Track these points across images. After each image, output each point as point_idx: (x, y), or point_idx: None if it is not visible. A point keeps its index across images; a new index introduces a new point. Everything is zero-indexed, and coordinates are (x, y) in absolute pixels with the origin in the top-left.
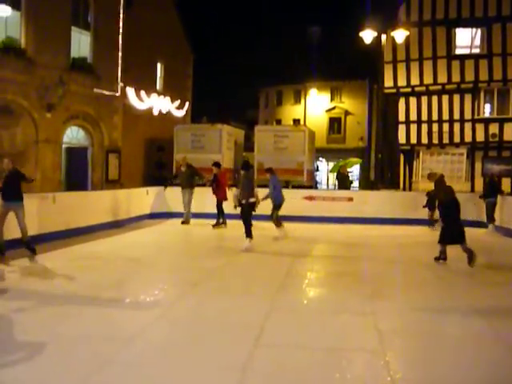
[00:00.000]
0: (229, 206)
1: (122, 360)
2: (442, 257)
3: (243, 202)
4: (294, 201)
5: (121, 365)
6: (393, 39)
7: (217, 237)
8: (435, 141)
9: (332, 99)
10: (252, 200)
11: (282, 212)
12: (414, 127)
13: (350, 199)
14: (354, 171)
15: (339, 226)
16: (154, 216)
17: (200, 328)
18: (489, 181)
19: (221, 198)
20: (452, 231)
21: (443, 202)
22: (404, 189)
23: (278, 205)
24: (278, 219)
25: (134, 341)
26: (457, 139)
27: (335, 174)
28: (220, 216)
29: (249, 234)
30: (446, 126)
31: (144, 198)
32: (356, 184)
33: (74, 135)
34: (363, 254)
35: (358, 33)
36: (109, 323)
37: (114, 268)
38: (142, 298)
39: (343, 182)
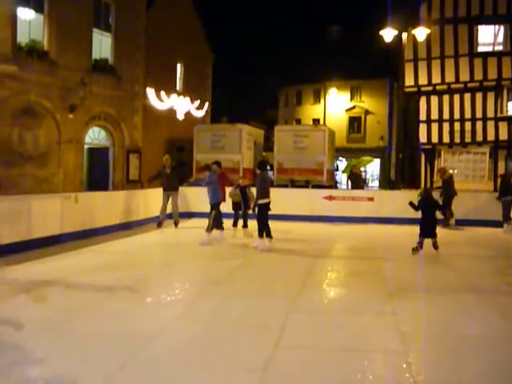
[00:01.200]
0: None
1: (144, 358)
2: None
3: (258, 202)
4: (314, 200)
5: (142, 363)
6: (414, 37)
7: (233, 236)
8: (457, 140)
9: (352, 98)
10: (266, 200)
11: (302, 212)
12: (435, 126)
13: (371, 199)
14: (374, 171)
15: (359, 225)
16: None
17: (221, 328)
18: (502, 180)
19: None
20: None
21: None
22: None
23: (213, 204)
24: (213, 221)
25: (155, 339)
26: (479, 138)
27: (347, 174)
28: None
29: (261, 234)
30: (468, 125)
31: None
32: (376, 184)
33: (95, 136)
34: (383, 253)
35: (379, 31)
36: (130, 321)
37: (136, 267)
38: (164, 297)
39: (357, 181)
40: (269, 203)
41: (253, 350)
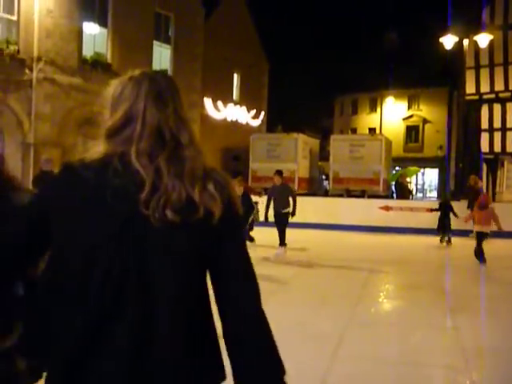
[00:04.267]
0: None
1: None
2: None
3: (280, 211)
4: (370, 211)
5: None
6: (475, 44)
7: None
8: None
9: (409, 107)
10: (285, 210)
11: (356, 221)
12: (497, 135)
13: (429, 210)
14: (432, 181)
15: (417, 236)
16: None
17: (277, 338)
18: None
19: None
20: None
21: None
22: None
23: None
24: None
25: None
26: None
27: (393, 183)
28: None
29: (283, 242)
30: None
31: None
32: (434, 194)
33: None
34: (442, 265)
35: (438, 38)
36: None
37: None
38: None
39: (402, 192)
40: (288, 213)
41: (310, 360)
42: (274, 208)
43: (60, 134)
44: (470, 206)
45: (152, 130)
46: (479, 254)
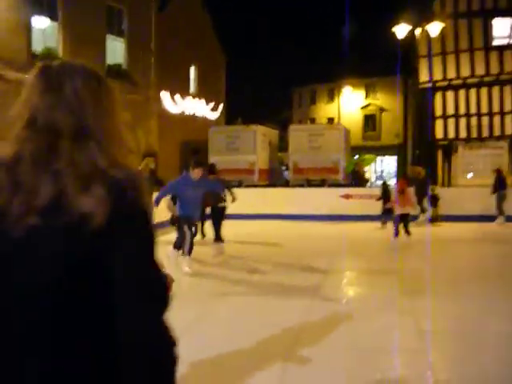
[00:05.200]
0: None
1: None
2: None
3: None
4: (330, 200)
5: None
6: (427, 33)
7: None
8: (474, 135)
9: (367, 96)
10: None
11: (327, 211)
12: (451, 121)
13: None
14: (391, 169)
15: (376, 223)
16: None
17: (239, 327)
18: (498, 175)
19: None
20: None
21: None
22: (443, 185)
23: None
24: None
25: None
26: (497, 132)
27: (349, 172)
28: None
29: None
30: (485, 120)
31: None
32: (393, 181)
33: None
34: (404, 253)
35: (391, 28)
36: None
37: None
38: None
39: (359, 180)
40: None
41: (271, 348)
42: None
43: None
44: (418, 195)
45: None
46: (404, 228)
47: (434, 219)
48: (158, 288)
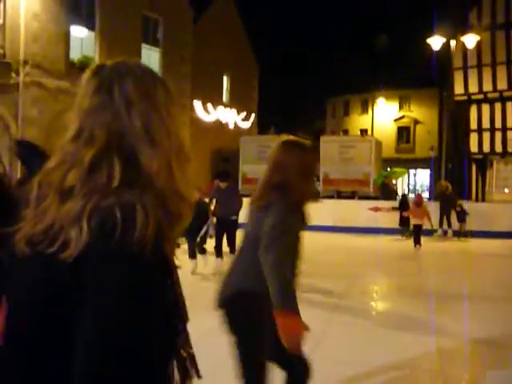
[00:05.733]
0: None
1: None
2: None
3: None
4: (359, 212)
5: None
6: (463, 44)
7: None
8: (510, 149)
9: (401, 108)
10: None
11: (340, 222)
12: (486, 135)
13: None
14: (424, 182)
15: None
16: None
17: None
18: None
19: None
20: None
21: None
22: (476, 200)
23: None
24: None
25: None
26: None
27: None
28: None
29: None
30: None
31: None
32: (426, 194)
33: None
34: (435, 266)
35: (425, 39)
36: None
37: None
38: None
39: (387, 193)
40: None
41: None
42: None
43: (48, 138)
44: (444, 210)
45: None
46: (416, 239)
47: (462, 234)
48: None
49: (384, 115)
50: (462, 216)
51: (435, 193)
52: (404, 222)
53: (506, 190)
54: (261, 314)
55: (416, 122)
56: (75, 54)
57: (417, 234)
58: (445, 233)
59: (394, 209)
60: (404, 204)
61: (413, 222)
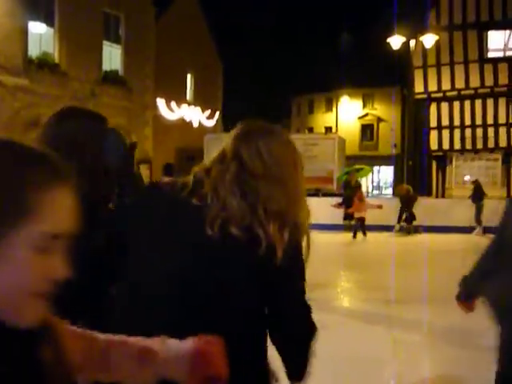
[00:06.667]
0: None
1: None
2: None
3: None
4: (323, 209)
5: None
6: (422, 44)
7: None
8: (468, 146)
9: (364, 106)
10: None
11: (319, 220)
12: (446, 133)
13: (380, 206)
14: (387, 179)
15: (368, 234)
16: None
17: None
18: (476, 186)
19: None
20: None
21: None
22: (437, 196)
23: None
24: None
25: None
26: (491, 144)
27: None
28: None
29: None
30: (479, 131)
31: None
32: (390, 191)
33: None
34: (389, 261)
35: (386, 38)
36: None
37: None
38: None
39: (350, 193)
40: None
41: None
42: None
43: (8, 136)
44: (405, 210)
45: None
46: (362, 231)
47: (413, 230)
48: None
49: (348, 113)
50: (410, 219)
51: (397, 195)
52: (348, 215)
53: (467, 177)
54: None
55: (379, 119)
56: (34, 51)
57: (361, 225)
58: (402, 228)
59: (339, 205)
60: (347, 200)
61: (356, 215)
